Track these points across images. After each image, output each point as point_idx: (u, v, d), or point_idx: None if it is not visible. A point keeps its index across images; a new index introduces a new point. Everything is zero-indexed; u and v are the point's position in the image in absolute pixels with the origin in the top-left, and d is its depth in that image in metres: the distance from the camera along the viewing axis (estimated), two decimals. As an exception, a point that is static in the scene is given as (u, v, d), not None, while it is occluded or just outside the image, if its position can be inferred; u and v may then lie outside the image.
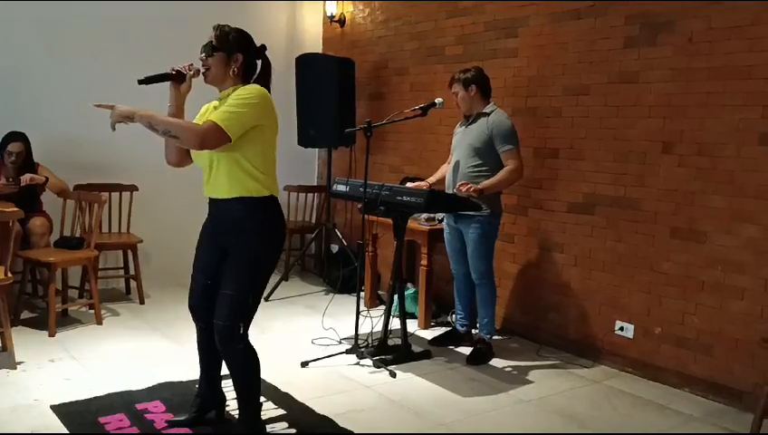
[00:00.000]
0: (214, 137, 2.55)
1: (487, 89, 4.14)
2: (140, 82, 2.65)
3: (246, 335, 2.74)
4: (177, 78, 2.70)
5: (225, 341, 2.71)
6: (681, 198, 3.76)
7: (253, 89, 2.66)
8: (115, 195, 5.23)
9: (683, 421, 3.39)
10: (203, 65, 2.70)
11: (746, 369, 3.49)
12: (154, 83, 2.67)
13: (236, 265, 2.69)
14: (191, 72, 2.72)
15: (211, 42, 2.68)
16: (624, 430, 3.25)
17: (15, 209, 3.74)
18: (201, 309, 2.87)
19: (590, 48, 4.17)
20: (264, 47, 2.81)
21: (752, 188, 3.47)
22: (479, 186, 3.91)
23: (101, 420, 3.05)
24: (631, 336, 4.01)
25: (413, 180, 4.47)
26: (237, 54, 2.70)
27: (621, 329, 4.06)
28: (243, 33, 2.76)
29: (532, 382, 3.82)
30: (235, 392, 2.85)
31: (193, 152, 2.78)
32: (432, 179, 4.37)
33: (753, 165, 3.47)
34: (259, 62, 2.81)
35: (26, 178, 4.52)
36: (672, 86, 3.78)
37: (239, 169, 2.65)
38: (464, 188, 3.88)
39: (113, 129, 2.61)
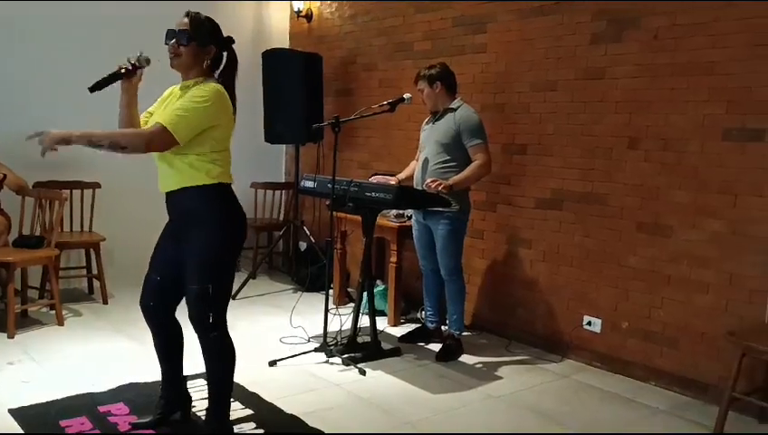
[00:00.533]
0: (161, 140, 2.49)
1: (453, 85, 4.12)
2: (91, 89, 2.57)
3: (220, 324, 2.69)
4: (128, 75, 2.63)
5: (199, 330, 2.68)
6: (647, 193, 3.80)
7: (209, 89, 2.57)
8: (77, 192, 5.11)
9: (649, 414, 3.42)
10: (172, 51, 2.61)
11: (712, 362, 3.53)
12: (106, 87, 2.59)
13: (194, 259, 2.63)
14: (144, 66, 2.64)
15: (185, 30, 2.59)
16: (592, 424, 3.27)
17: (-29, 207, 3.63)
18: (151, 308, 2.81)
19: (558, 44, 4.19)
20: (231, 39, 2.74)
21: (715, 183, 3.52)
22: (448, 181, 3.89)
23: (62, 423, 2.97)
24: (599, 331, 4.04)
25: (382, 176, 4.44)
26: (210, 46, 2.64)
27: (589, 324, 4.09)
28: (214, 23, 2.69)
29: (501, 378, 3.82)
30: (205, 390, 2.80)
31: None
32: (401, 176, 4.35)
33: (716, 160, 3.51)
34: (224, 54, 2.74)
35: (-18, 175, 4.39)
36: (637, 82, 3.81)
37: (185, 160, 2.58)
38: (433, 185, 3.86)
39: (43, 155, 2.50)
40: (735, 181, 3.44)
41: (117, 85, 2.67)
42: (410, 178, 4.32)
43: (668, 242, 3.71)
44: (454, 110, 4.05)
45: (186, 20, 2.61)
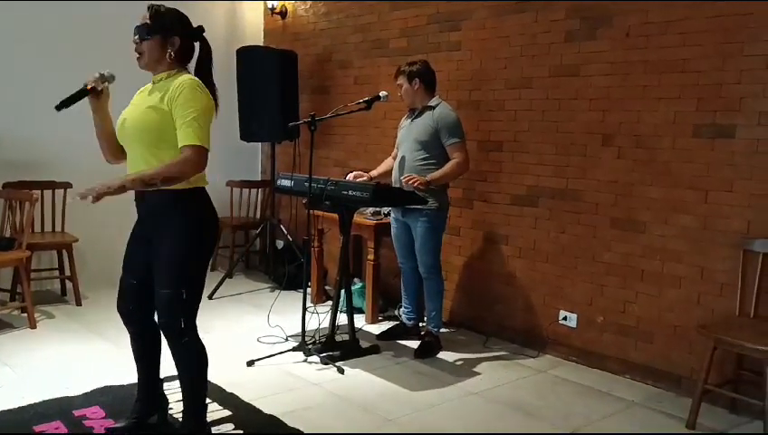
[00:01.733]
0: (203, 158, 2.50)
1: (432, 82, 4.13)
2: (58, 108, 2.53)
3: (191, 329, 2.65)
4: (94, 91, 2.60)
5: (169, 336, 2.65)
6: (620, 189, 3.85)
7: (196, 84, 2.54)
8: (48, 193, 5.02)
9: (624, 407, 3.47)
10: (136, 50, 2.58)
11: (684, 354, 3.59)
12: (73, 104, 2.56)
13: (165, 263, 2.59)
14: (104, 84, 2.62)
15: (146, 24, 2.55)
16: (568, 417, 3.30)
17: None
18: (129, 312, 2.78)
19: (532, 42, 4.21)
20: (201, 28, 2.68)
21: (686, 179, 3.57)
22: (425, 178, 3.90)
23: (36, 428, 2.92)
24: (575, 326, 4.09)
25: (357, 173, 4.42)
26: (174, 38, 2.58)
27: (565, 319, 4.13)
28: (179, 13, 2.64)
29: (479, 374, 3.85)
30: (180, 392, 2.77)
31: (118, 134, 2.67)
32: (374, 173, 4.35)
33: (687, 156, 3.57)
34: (197, 45, 2.70)
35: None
36: (611, 79, 3.85)
37: (160, 162, 2.53)
38: (411, 181, 3.87)
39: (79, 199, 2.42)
40: (706, 177, 3.50)
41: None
42: (384, 175, 4.32)
43: (642, 237, 3.76)
44: (432, 108, 4.06)
45: (146, 14, 2.58)
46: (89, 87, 2.60)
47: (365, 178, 4.23)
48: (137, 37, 2.57)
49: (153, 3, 2.62)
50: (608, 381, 3.79)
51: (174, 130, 2.51)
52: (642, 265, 3.77)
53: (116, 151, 2.74)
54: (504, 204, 4.43)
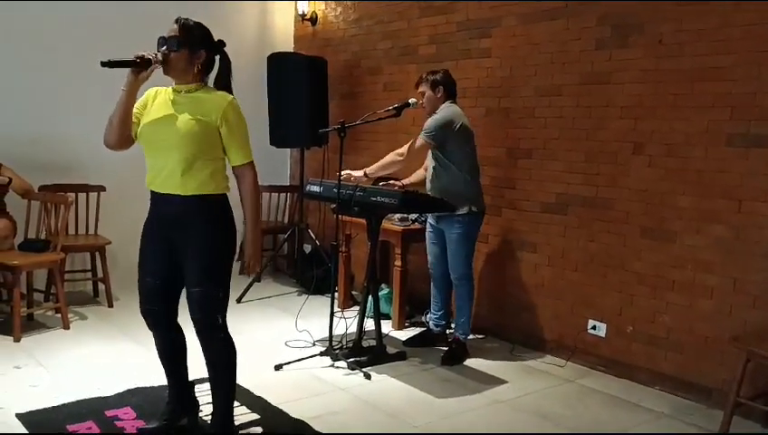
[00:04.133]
0: (255, 173, 2.79)
1: (453, 92, 4.15)
2: (103, 64, 2.56)
3: (227, 326, 2.75)
4: (141, 66, 2.60)
5: (207, 334, 2.70)
6: (651, 197, 3.81)
7: (231, 99, 2.69)
8: (82, 196, 5.12)
9: (653, 419, 3.43)
10: (163, 60, 2.63)
11: (716, 366, 3.54)
12: (116, 68, 2.57)
13: (199, 263, 2.67)
14: (155, 65, 2.63)
15: (176, 36, 2.62)
16: (596, 429, 3.27)
17: (-22, 212, 3.64)
18: (155, 313, 2.81)
19: (563, 49, 4.20)
20: (222, 42, 2.78)
21: (719, 189, 3.52)
22: (365, 169, 4.14)
23: (69, 427, 2.98)
24: (603, 335, 4.05)
25: (387, 181, 4.45)
26: (201, 51, 2.67)
27: (594, 328, 4.10)
28: (205, 27, 2.72)
29: (506, 382, 3.83)
30: (210, 394, 2.82)
31: (147, 134, 2.70)
32: (407, 181, 4.37)
33: (720, 166, 3.52)
34: (217, 58, 2.77)
35: (-12, 179, 4.41)
36: (642, 87, 3.82)
37: (208, 167, 2.65)
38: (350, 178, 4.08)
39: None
40: (739, 187, 3.45)
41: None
42: (416, 184, 4.35)
43: (673, 247, 3.72)
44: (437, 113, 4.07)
45: (175, 26, 2.65)
46: (139, 58, 2.59)
47: (396, 184, 4.26)
48: (165, 48, 2.63)
49: (180, 16, 2.69)
50: (637, 392, 3.75)
51: (213, 143, 2.66)
52: (673, 275, 3.72)
53: (123, 139, 2.72)
54: (533, 211, 4.41)
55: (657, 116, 3.76)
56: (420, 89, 4.14)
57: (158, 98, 2.75)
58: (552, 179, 4.29)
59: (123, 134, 2.70)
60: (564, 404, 3.56)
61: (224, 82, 2.75)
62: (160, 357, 2.93)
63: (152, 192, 2.76)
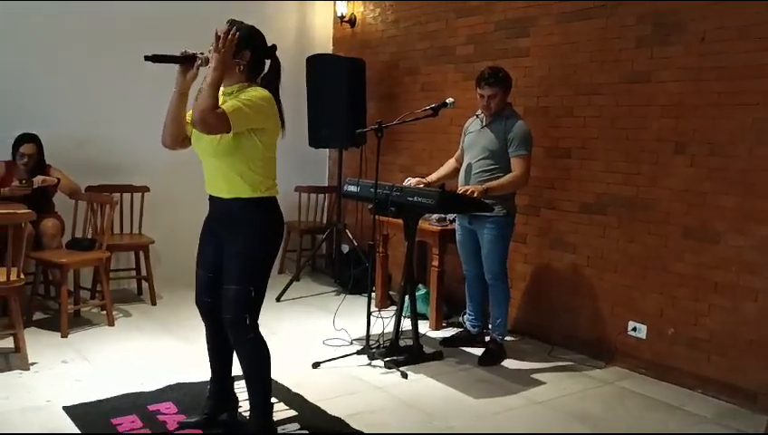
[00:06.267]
0: (216, 119, 2.52)
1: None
2: (147, 58, 2.59)
3: (256, 326, 2.78)
4: (185, 62, 2.65)
5: (235, 331, 2.75)
6: (693, 198, 3.74)
7: (262, 92, 2.67)
8: (126, 196, 5.26)
9: (695, 423, 3.36)
10: (207, 59, 2.66)
11: (760, 370, 3.46)
12: (160, 63, 2.61)
13: (235, 262, 2.73)
14: (200, 62, 2.66)
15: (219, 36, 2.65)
16: (637, 431, 3.23)
17: (28, 211, 3.76)
18: (208, 304, 2.88)
19: (602, 48, 4.15)
20: (274, 47, 2.81)
21: (764, 188, 3.44)
22: (482, 187, 3.89)
23: (113, 421, 3.07)
24: (644, 337, 3.99)
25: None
26: (245, 51, 2.69)
27: (634, 329, 4.04)
28: (254, 30, 2.76)
29: (544, 384, 3.80)
30: (246, 391, 2.86)
31: (193, 141, 2.77)
32: (433, 177, 4.34)
33: (765, 165, 3.44)
34: (268, 62, 2.81)
35: (38, 179, 4.55)
36: (684, 86, 3.75)
37: (237, 172, 2.69)
38: (468, 193, 3.85)
39: None
40: (786, 186, 3.36)
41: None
42: (445, 177, 4.34)
43: (716, 248, 3.64)
44: (505, 117, 4.04)
45: (224, 28, 2.67)
46: (183, 54, 2.63)
47: (422, 181, 4.23)
48: (212, 47, 2.67)
49: (233, 19, 2.72)
50: (678, 395, 3.68)
51: (248, 148, 2.67)
52: (716, 276, 3.65)
53: (177, 139, 2.77)
54: (572, 212, 4.37)
55: (699, 115, 3.69)
56: (488, 90, 3.98)
57: None
58: (591, 179, 4.25)
59: (176, 134, 2.76)
60: (604, 406, 3.52)
61: (272, 86, 2.76)
62: (208, 348, 3.01)
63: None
